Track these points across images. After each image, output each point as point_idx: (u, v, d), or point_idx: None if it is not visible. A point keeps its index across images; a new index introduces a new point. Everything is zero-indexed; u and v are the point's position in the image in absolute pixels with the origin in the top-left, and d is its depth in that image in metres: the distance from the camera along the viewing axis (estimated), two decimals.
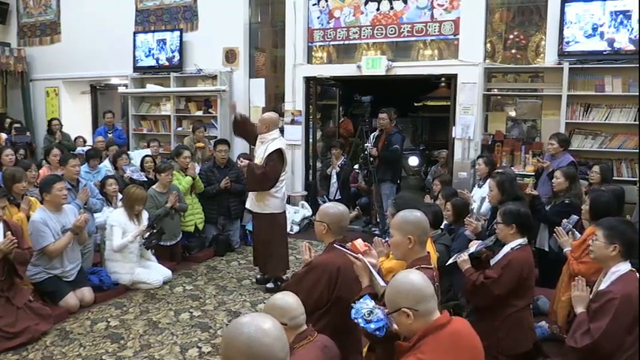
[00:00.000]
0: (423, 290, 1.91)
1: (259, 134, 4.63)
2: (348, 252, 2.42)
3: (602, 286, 2.67)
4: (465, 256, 3.21)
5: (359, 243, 2.46)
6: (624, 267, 2.65)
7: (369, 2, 6.73)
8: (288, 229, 6.47)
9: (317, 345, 2.01)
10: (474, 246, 3.39)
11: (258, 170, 4.52)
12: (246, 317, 1.49)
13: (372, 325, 2.01)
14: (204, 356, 3.47)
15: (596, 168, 4.83)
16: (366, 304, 2.08)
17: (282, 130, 7.07)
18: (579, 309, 2.70)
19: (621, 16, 5.39)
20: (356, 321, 2.05)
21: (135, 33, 8.15)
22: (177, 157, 5.66)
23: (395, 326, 2.04)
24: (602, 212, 3.35)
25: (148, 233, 4.68)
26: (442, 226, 4.03)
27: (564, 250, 3.59)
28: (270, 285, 4.70)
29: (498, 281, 3.04)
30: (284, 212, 4.82)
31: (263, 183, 4.54)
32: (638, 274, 2.67)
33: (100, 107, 9.54)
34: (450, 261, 3.36)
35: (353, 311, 2.08)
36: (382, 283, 2.36)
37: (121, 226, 4.55)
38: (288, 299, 2.06)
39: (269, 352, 1.40)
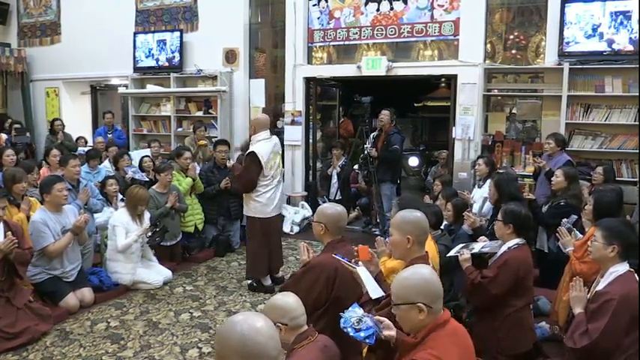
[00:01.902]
0: (439, 289, 1.95)
1: (250, 136, 4.67)
2: (345, 261, 2.46)
3: (600, 287, 2.67)
4: (467, 254, 3.21)
5: (364, 250, 2.51)
6: (622, 267, 2.66)
7: (369, 3, 6.73)
8: (288, 230, 6.55)
9: (317, 345, 2.02)
10: (479, 243, 3.39)
11: (236, 171, 4.67)
12: (240, 316, 1.50)
13: (362, 334, 2.02)
14: (204, 357, 3.48)
15: (599, 169, 4.84)
16: (354, 313, 2.08)
17: (281, 131, 7.14)
18: (577, 309, 2.70)
19: (621, 16, 5.39)
20: (345, 330, 2.05)
21: (135, 33, 8.16)
22: (178, 158, 5.66)
23: (386, 332, 2.05)
24: (605, 212, 3.35)
25: (152, 232, 4.71)
26: (442, 227, 4.03)
27: (566, 250, 3.58)
28: (248, 281, 4.78)
29: (495, 280, 3.04)
30: (268, 219, 4.62)
31: (239, 184, 4.70)
32: (636, 275, 2.67)
33: (100, 108, 9.55)
34: (452, 253, 3.36)
35: (342, 320, 2.08)
36: (379, 290, 2.38)
37: (123, 227, 4.56)
38: (288, 299, 2.06)
39: (262, 351, 1.42)
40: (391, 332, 2.05)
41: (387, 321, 2.08)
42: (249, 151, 4.52)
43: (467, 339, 2.01)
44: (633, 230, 2.77)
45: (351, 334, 2.04)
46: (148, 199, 4.79)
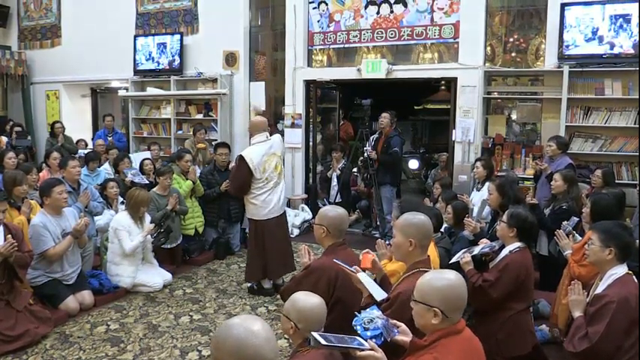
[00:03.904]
0: (462, 301, 1.95)
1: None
2: (344, 266, 2.46)
3: (599, 290, 2.67)
4: (467, 257, 3.21)
5: (367, 259, 2.54)
6: (621, 270, 2.65)
7: (369, 6, 6.74)
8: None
9: (323, 351, 2.00)
10: (479, 246, 3.38)
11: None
12: (236, 319, 1.50)
13: (369, 333, 2.02)
14: (203, 359, 3.48)
15: (598, 172, 4.83)
16: (371, 314, 2.09)
17: (282, 134, 7.13)
18: (577, 313, 2.69)
19: (621, 19, 5.40)
20: (355, 328, 2.06)
21: (135, 36, 8.17)
22: (179, 161, 5.67)
23: (400, 337, 2.05)
24: (602, 215, 3.35)
25: (156, 232, 4.72)
26: (442, 229, 4.03)
27: (565, 253, 3.58)
28: (248, 284, 4.76)
29: (496, 284, 3.04)
30: (264, 221, 4.56)
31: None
32: (634, 277, 2.66)
33: (101, 110, 9.56)
34: (454, 260, 3.36)
35: (355, 319, 2.10)
36: (383, 292, 2.38)
37: (126, 230, 4.55)
38: (314, 304, 2.06)
39: (258, 354, 1.41)
40: (405, 338, 2.04)
41: (403, 326, 2.07)
42: (238, 155, 4.56)
43: (479, 350, 2.00)
44: (629, 232, 2.77)
45: (359, 331, 2.05)
46: (149, 202, 4.79)
